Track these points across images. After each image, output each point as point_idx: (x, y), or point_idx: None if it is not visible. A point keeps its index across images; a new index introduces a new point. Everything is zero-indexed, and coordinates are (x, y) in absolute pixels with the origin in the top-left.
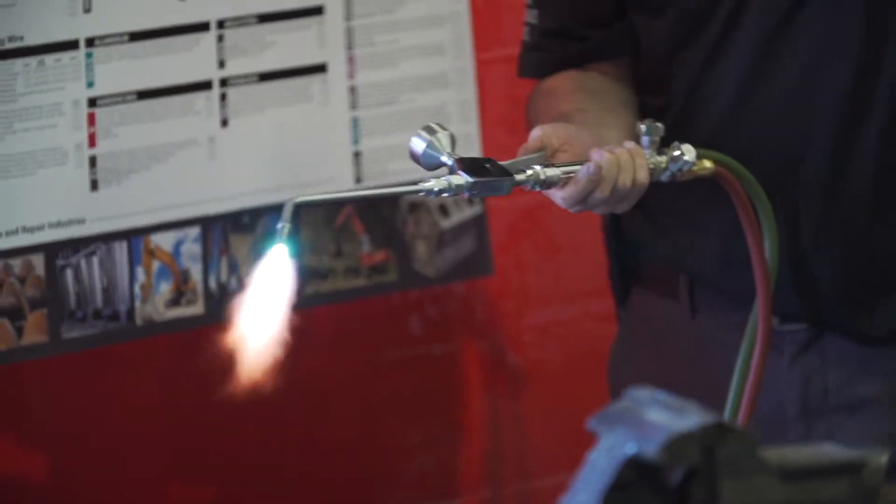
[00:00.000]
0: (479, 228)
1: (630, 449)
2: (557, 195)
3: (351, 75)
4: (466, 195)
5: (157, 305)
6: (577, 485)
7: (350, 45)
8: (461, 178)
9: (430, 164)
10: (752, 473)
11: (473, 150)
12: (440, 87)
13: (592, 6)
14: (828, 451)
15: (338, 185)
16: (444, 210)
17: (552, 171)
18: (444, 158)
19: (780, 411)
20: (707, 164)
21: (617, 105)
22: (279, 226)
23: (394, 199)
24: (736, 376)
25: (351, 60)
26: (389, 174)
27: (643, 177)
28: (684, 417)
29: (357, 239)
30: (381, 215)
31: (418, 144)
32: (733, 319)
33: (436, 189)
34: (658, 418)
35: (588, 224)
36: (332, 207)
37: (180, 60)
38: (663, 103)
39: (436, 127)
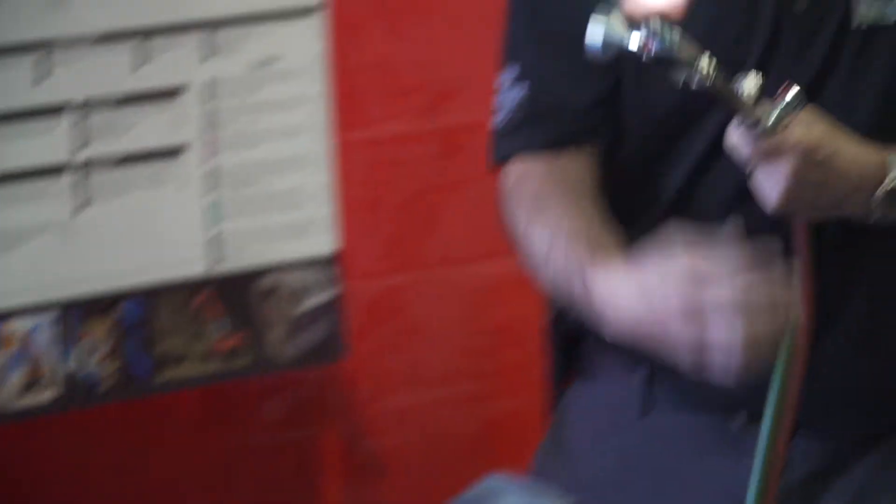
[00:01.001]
0: (333, 313)
1: None
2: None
3: (209, 157)
4: (673, 50)
5: (10, 393)
6: None
7: (210, 127)
8: (673, 30)
9: (615, 47)
10: None
11: (329, 233)
12: (297, 170)
13: (597, 81)
14: None
15: (191, 268)
16: (298, 295)
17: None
18: (629, 34)
19: None
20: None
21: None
22: None
23: (247, 283)
24: (752, 490)
25: (210, 142)
26: (249, 256)
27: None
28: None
29: (212, 323)
30: (237, 299)
31: (595, 35)
32: (692, 419)
33: (647, 36)
34: None
35: (446, 308)
36: (187, 292)
37: (35, 144)
38: (665, 184)
39: (605, 8)
